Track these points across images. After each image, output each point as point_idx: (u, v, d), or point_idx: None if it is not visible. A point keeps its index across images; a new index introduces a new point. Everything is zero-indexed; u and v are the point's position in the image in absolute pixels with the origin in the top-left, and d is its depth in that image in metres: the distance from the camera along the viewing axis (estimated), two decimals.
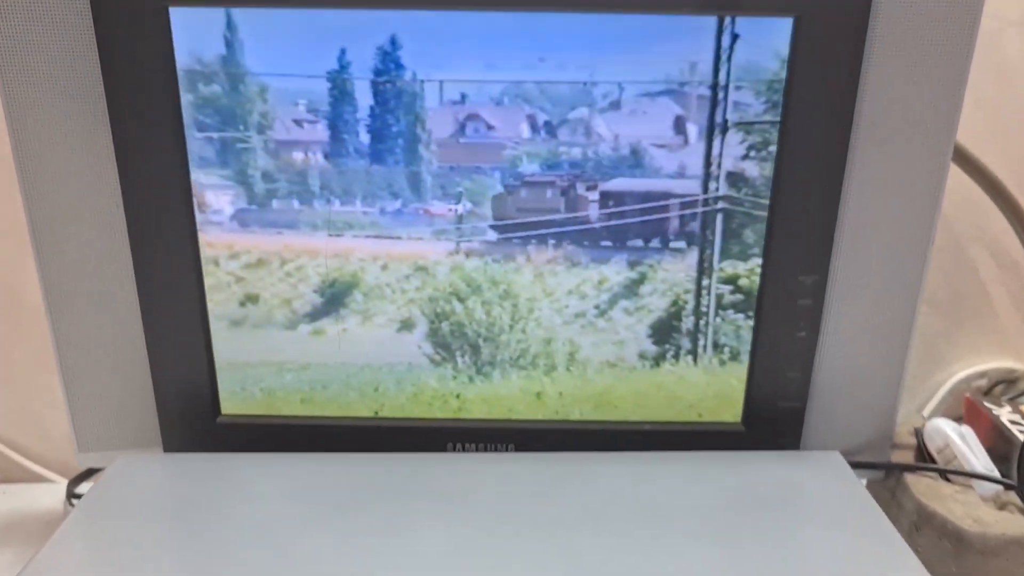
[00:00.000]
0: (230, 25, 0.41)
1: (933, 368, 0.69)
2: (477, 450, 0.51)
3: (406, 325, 0.49)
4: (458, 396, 0.51)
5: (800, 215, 0.46)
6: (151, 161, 0.44)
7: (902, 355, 0.49)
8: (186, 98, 0.43)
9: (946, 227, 0.65)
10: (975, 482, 0.49)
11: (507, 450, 0.51)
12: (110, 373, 0.50)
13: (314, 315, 0.49)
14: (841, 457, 0.49)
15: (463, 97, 0.43)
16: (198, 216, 0.45)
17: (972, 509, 0.46)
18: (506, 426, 0.51)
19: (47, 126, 0.44)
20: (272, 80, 0.43)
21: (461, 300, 0.48)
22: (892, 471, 0.52)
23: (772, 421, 0.50)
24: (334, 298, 0.48)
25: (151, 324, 0.48)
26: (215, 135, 0.44)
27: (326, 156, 0.45)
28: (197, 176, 0.45)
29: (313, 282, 0.48)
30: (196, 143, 0.44)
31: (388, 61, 0.42)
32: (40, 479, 0.69)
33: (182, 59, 0.42)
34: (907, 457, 0.53)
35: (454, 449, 0.51)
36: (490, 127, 0.44)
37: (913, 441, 0.55)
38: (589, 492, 0.45)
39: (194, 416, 0.50)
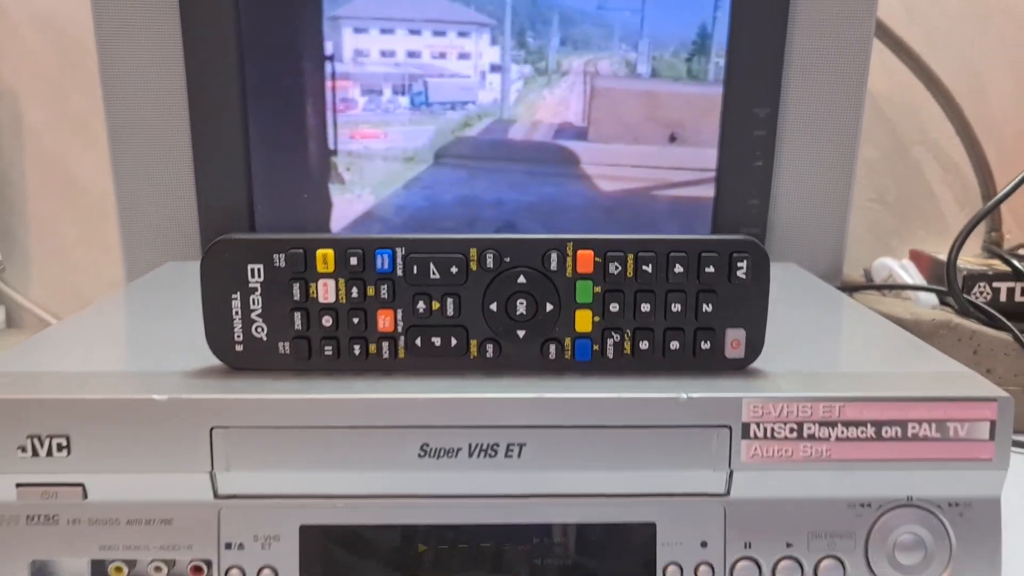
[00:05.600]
0: None
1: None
2: None
3: None
4: None
5: (753, 50, 0.54)
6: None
7: (847, 182, 0.57)
8: None
9: (891, 132, 0.74)
10: (914, 295, 0.56)
11: None
12: (159, 199, 0.57)
13: None
14: (799, 267, 0.56)
15: None
16: None
17: (911, 306, 0.54)
18: None
19: None
20: None
21: None
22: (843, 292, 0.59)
23: None
24: None
25: (200, 151, 0.55)
26: None
27: None
28: None
29: None
30: None
31: None
32: None
33: None
34: None
35: None
36: None
37: (863, 280, 0.63)
38: None
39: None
